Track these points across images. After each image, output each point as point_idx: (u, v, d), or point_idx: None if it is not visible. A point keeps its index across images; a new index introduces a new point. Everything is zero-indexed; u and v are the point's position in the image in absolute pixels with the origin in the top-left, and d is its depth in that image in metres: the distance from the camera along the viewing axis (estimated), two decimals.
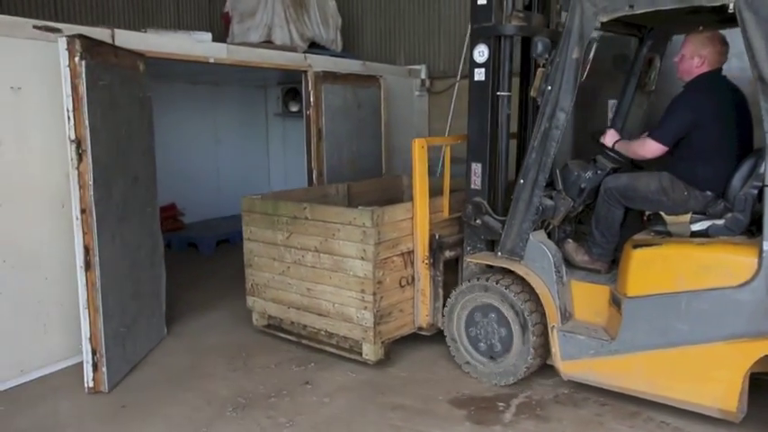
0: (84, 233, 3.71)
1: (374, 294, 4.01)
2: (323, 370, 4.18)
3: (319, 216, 4.23)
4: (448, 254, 4.26)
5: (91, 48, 3.71)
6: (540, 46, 3.59)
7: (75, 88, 3.60)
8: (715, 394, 3.21)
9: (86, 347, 3.79)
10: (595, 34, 3.39)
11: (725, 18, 3.14)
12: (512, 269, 3.85)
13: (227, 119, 8.67)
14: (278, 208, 4.47)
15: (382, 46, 8.30)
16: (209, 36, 5.22)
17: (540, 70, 3.68)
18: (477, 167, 4.03)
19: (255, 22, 6.60)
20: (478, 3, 3.89)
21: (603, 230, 3.79)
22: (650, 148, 3.50)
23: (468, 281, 4.04)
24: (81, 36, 3.63)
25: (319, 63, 6.10)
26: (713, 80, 3.47)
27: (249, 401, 3.74)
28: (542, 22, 4.10)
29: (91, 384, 3.84)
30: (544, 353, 3.81)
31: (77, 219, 3.70)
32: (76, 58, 3.59)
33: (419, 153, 4.18)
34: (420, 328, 4.35)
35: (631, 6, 3.29)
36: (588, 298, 3.78)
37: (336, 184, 5.33)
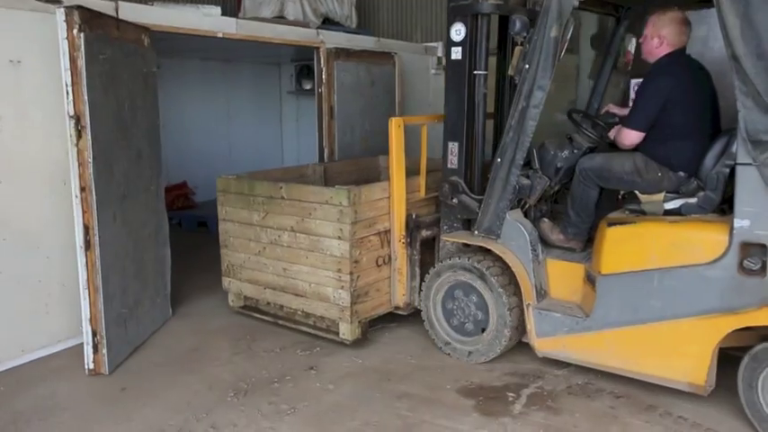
0: (83, 212, 3.61)
1: (351, 274, 4.00)
2: (328, 355, 4.08)
3: (296, 195, 4.20)
4: (424, 233, 4.27)
5: (90, 20, 3.57)
6: (518, 24, 3.58)
7: (73, 62, 3.48)
8: (685, 369, 3.27)
9: (86, 329, 3.72)
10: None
11: None
12: (488, 248, 3.86)
13: (240, 96, 8.51)
14: (254, 188, 4.43)
15: (398, 22, 8.05)
16: (218, 10, 5.08)
17: (517, 48, 3.66)
18: (453, 147, 4.01)
19: None
20: None
21: (579, 210, 3.81)
22: (628, 136, 3.51)
23: (450, 259, 4.03)
24: (80, 7, 3.50)
25: (332, 39, 5.95)
26: (676, 60, 3.47)
27: (251, 387, 3.66)
28: (519, 0, 4.08)
29: (91, 366, 3.77)
30: (521, 330, 3.83)
31: (77, 197, 3.60)
32: (75, 30, 3.46)
33: (396, 132, 4.16)
34: (397, 308, 4.36)
35: None
36: (563, 276, 3.82)
37: (313, 165, 5.29)
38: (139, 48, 4.19)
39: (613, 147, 3.86)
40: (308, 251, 4.19)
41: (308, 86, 8.25)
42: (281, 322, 4.49)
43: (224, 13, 5.18)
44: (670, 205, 3.49)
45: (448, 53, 3.96)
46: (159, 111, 4.47)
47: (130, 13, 4.27)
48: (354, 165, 5.62)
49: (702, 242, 3.18)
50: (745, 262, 3.03)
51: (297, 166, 5.23)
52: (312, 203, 4.11)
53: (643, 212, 3.56)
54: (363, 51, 6.18)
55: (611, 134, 3.70)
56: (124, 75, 3.96)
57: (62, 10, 3.46)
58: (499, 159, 3.76)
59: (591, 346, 3.55)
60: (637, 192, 3.59)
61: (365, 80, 6.12)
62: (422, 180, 4.39)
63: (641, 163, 3.55)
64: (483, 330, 3.89)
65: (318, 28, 6.14)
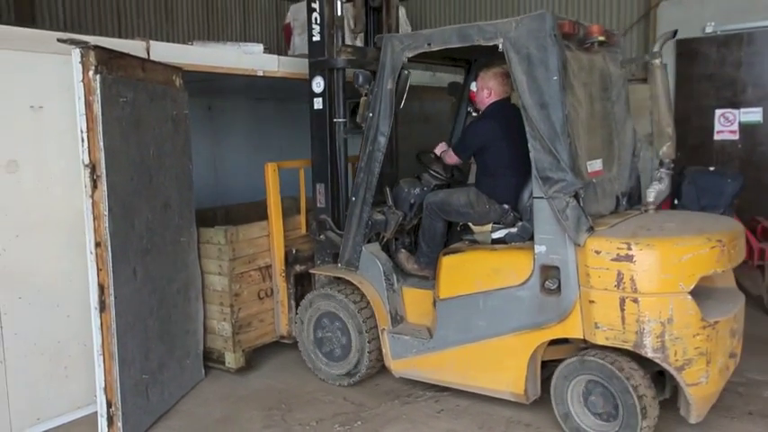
0: (98, 270, 3.32)
1: (231, 306, 4.38)
2: None
3: None
4: (299, 268, 4.65)
5: (110, 60, 3.37)
6: (360, 77, 4.06)
7: (89, 106, 3.25)
8: (507, 381, 3.65)
9: (101, 399, 3.38)
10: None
11: None
12: (348, 279, 4.25)
13: (291, 136, 7.74)
14: None
15: None
16: (260, 48, 4.93)
17: (363, 99, 4.13)
18: (320, 187, 4.44)
19: None
20: (313, 40, 4.33)
21: (428, 241, 4.21)
22: (450, 156, 4.15)
23: (316, 290, 4.42)
24: (97, 47, 3.29)
25: None
26: (501, 108, 3.98)
27: None
28: (376, 56, 4.54)
29: None
30: (379, 354, 4.19)
31: (91, 253, 3.31)
32: (91, 72, 3.24)
33: (272, 176, 4.59)
34: (282, 337, 4.73)
35: (429, 44, 3.79)
36: (417, 302, 4.20)
37: (215, 208, 5.69)
38: (170, 89, 3.97)
39: (458, 183, 4.30)
40: None
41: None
42: None
43: (271, 51, 4.99)
44: (496, 235, 3.91)
45: (311, 104, 4.42)
46: (192, 155, 4.24)
47: (164, 52, 4.10)
48: (258, 207, 5.85)
49: (514, 267, 3.59)
50: (546, 283, 3.44)
51: (201, 209, 5.56)
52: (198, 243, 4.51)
53: (476, 242, 3.98)
54: (417, 86, 5.59)
55: (437, 150, 4.28)
56: (150, 118, 3.72)
57: (77, 50, 3.22)
58: (354, 198, 4.19)
59: (435, 364, 3.92)
60: (470, 223, 4.01)
61: (418, 116, 5.86)
62: (302, 218, 4.81)
63: (474, 197, 3.99)
64: (348, 355, 4.26)
65: None
